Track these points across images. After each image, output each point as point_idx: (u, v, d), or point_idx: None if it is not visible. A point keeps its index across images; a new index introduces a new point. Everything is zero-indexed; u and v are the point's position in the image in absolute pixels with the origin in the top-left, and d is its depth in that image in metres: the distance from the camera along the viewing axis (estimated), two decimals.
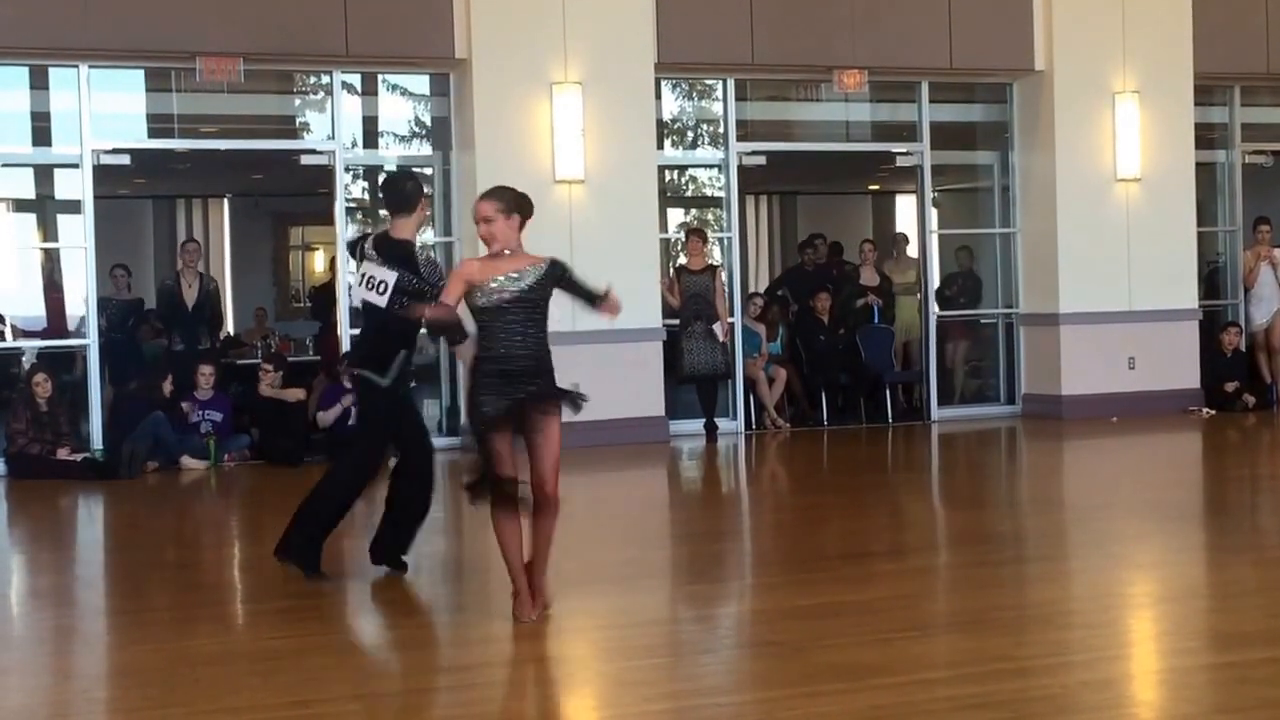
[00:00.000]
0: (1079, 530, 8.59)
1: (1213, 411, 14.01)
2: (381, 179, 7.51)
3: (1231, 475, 11.21)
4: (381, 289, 6.96)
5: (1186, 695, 5.15)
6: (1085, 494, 10.35)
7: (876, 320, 14.56)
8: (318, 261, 20.39)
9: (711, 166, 13.74)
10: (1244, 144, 15.39)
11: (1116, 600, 6.73)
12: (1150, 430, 13.28)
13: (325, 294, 15.44)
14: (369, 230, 8.16)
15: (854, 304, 14.59)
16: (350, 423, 12.29)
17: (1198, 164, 14.57)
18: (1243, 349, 14.78)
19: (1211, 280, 15.68)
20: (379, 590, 7.49)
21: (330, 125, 12.79)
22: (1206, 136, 15.14)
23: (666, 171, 14.94)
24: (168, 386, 12.17)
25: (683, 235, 14.62)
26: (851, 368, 14.29)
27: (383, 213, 7.67)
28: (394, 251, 7.03)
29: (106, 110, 12.40)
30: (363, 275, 7.07)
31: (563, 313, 6.51)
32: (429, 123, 13.69)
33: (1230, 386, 14.32)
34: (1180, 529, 8.59)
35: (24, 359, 13.07)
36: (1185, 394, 14.19)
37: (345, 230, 12.96)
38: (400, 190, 7.21)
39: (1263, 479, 11.01)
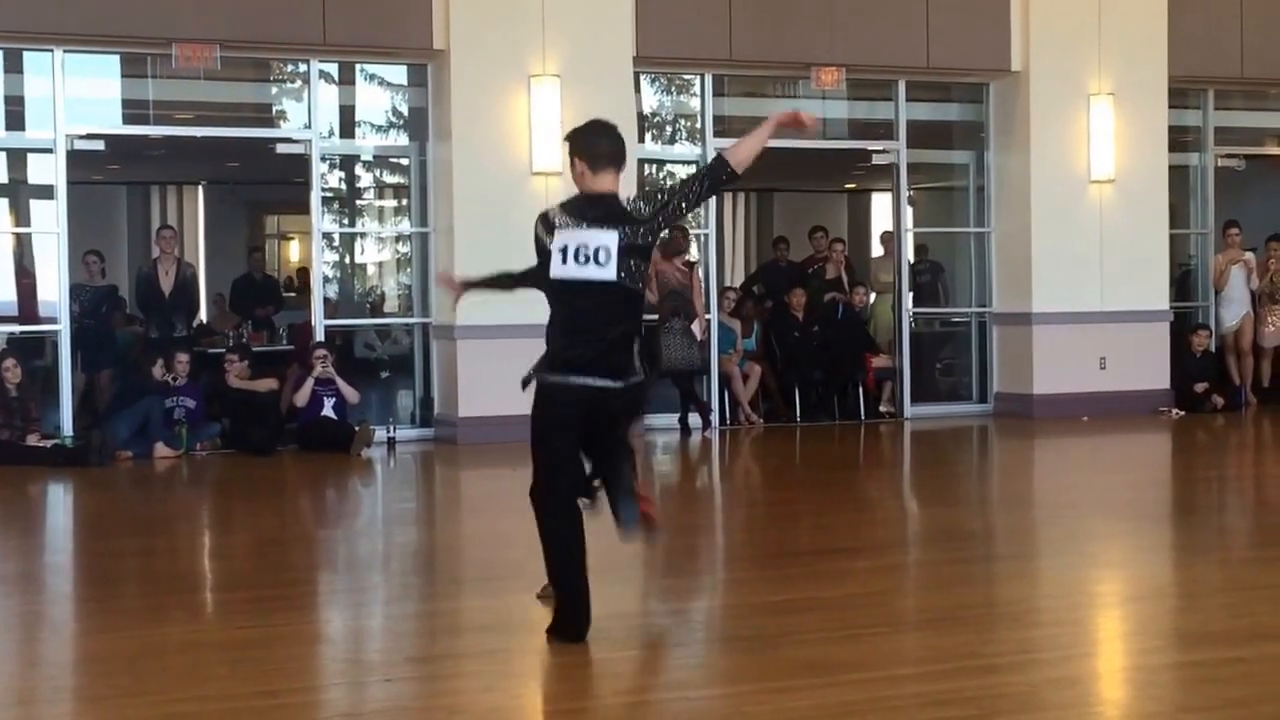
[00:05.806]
0: (1048, 528, 8.63)
1: (1182, 412, 14.09)
2: (584, 126, 5.92)
3: (1199, 476, 11.27)
4: (603, 257, 5.63)
5: (1152, 694, 5.19)
6: (1055, 492, 10.40)
7: (841, 316, 14.57)
8: (293, 250, 20.33)
9: (689, 162, 13.74)
10: (1217, 147, 15.48)
11: (1084, 598, 6.76)
12: (1120, 430, 13.35)
13: (245, 285, 15.29)
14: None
15: (821, 299, 14.63)
16: (325, 414, 12.27)
17: (1171, 167, 14.66)
18: (1213, 351, 14.87)
19: (1183, 282, 15.77)
20: (349, 580, 7.49)
21: (307, 114, 12.76)
22: (1180, 139, 15.22)
23: (645, 165, 14.92)
24: (158, 371, 12.19)
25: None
26: (825, 364, 14.31)
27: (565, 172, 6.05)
28: (605, 209, 5.70)
29: (81, 95, 12.34)
30: (562, 249, 5.66)
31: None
32: (406, 113, 13.66)
33: (1200, 388, 14.40)
34: (1148, 528, 8.64)
35: None
36: (1156, 395, 14.27)
37: (320, 219, 12.93)
38: (618, 139, 5.86)
39: (1229, 480, 11.09)
